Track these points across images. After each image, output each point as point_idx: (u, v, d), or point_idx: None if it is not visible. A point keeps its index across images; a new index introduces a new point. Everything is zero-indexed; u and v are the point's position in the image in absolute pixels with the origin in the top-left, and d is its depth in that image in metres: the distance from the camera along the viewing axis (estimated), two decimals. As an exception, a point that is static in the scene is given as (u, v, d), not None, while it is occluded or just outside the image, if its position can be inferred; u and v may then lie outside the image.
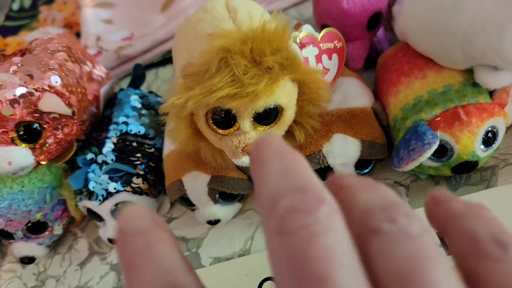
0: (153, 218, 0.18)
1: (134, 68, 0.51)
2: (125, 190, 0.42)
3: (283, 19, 0.34)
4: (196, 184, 0.40)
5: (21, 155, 0.40)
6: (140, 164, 0.44)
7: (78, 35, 0.76)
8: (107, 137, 0.44)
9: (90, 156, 0.44)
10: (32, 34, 0.62)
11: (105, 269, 0.46)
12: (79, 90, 0.43)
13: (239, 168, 0.40)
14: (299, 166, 0.17)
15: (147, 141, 0.46)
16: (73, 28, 0.79)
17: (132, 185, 0.43)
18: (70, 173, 0.45)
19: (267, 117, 0.34)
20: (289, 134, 0.37)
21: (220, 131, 0.34)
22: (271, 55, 0.32)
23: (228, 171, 0.40)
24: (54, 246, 0.50)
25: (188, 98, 0.32)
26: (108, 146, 0.44)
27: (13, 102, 0.38)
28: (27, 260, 0.47)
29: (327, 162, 0.37)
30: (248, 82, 0.31)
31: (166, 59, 0.63)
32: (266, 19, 0.34)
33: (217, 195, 0.41)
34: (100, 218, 0.44)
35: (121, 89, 0.50)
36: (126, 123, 0.45)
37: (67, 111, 0.40)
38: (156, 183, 0.45)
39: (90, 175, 0.43)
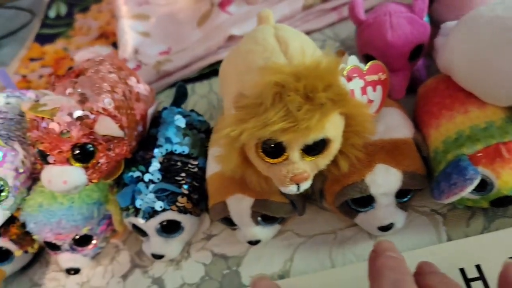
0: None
1: (177, 87, 0.53)
2: (171, 209, 0.44)
3: (334, 56, 0.35)
4: (240, 206, 0.42)
5: (76, 175, 0.42)
6: (185, 183, 0.46)
7: (114, 45, 0.78)
8: (153, 156, 0.46)
9: (136, 174, 0.46)
10: (80, 53, 0.64)
11: (147, 282, 0.48)
12: (129, 111, 0.45)
13: (282, 193, 0.42)
14: (406, 280, 0.28)
15: (191, 161, 0.47)
16: (109, 38, 0.81)
17: (177, 204, 0.44)
18: (117, 188, 0.47)
19: (315, 148, 0.35)
20: (333, 163, 0.38)
21: (269, 160, 0.35)
22: (323, 91, 0.33)
23: (271, 195, 0.41)
24: (97, 257, 0.52)
25: (243, 131, 0.34)
26: (155, 165, 0.46)
27: (70, 124, 0.40)
28: (72, 272, 0.49)
29: (369, 191, 0.38)
30: (302, 117, 0.32)
31: (202, 75, 0.65)
32: (317, 54, 0.35)
33: (259, 217, 0.42)
34: (144, 233, 0.46)
35: (165, 108, 0.52)
36: (171, 143, 0.47)
37: (120, 133, 0.42)
38: (199, 202, 0.46)
39: (137, 193, 0.45)
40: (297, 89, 0.33)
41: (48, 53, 0.82)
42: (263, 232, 0.44)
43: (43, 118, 0.40)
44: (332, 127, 0.35)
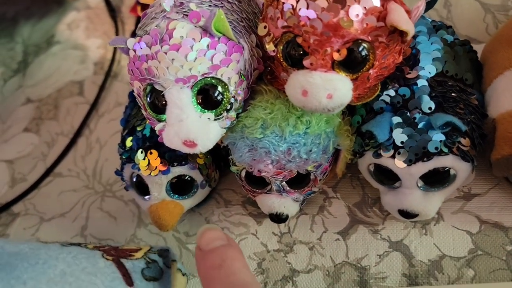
0: (227, 239, 0.25)
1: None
2: (451, 152, 0.31)
3: None
4: None
5: (345, 88, 0.29)
6: (466, 119, 0.32)
7: None
8: (419, 76, 0.33)
9: (395, 98, 0.33)
10: None
11: (382, 245, 0.36)
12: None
13: None
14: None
15: (468, 89, 0.34)
16: None
17: (460, 146, 0.31)
18: (349, 116, 0.35)
19: None
20: None
21: None
22: None
23: None
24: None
25: None
26: (423, 89, 0.32)
27: (355, 10, 0.27)
28: (277, 218, 0.37)
29: None
30: None
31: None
32: None
33: None
34: (392, 181, 0.34)
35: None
36: (440, 60, 0.34)
37: (412, 30, 0.28)
38: (479, 147, 0.33)
39: (397, 125, 0.32)
40: None
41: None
42: None
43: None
44: None
